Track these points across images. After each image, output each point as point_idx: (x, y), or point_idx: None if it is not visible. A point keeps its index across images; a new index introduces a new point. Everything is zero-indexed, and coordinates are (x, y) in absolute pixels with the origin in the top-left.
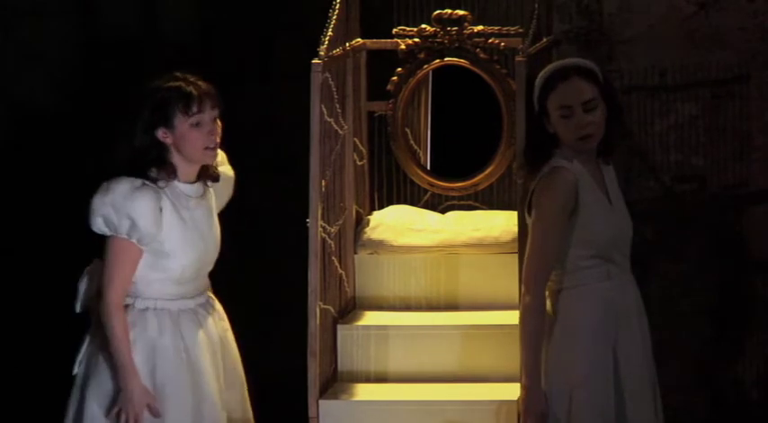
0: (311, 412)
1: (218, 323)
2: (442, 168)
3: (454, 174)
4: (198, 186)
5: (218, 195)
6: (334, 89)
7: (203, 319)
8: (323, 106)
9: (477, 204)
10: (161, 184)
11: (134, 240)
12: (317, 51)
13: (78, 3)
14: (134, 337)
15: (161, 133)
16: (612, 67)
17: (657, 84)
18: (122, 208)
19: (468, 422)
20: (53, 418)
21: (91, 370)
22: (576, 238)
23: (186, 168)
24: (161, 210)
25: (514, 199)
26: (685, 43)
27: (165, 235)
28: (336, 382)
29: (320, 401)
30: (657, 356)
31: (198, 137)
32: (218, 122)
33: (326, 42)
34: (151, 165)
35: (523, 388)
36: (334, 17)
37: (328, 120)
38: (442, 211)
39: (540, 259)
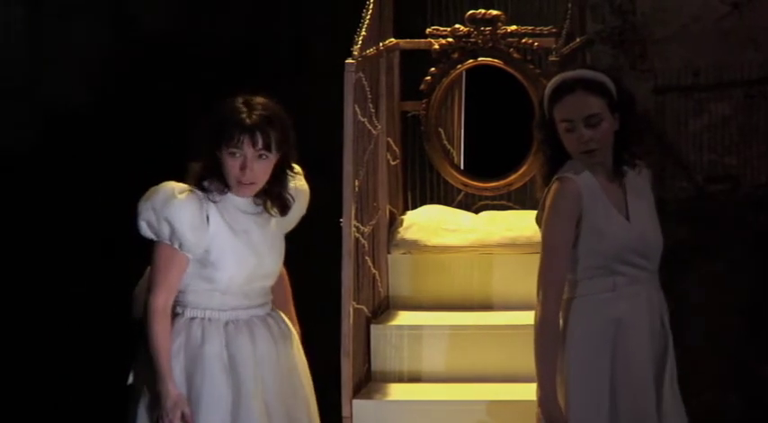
0: (345, 412)
1: (278, 339)
2: (476, 168)
3: (488, 174)
4: (255, 202)
5: (291, 211)
6: (367, 89)
7: (257, 331)
8: (356, 106)
9: (510, 204)
10: (213, 195)
11: (176, 246)
12: (351, 51)
13: (113, 3)
14: (178, 345)
15: (216, 149)
16: (645, 67)
17: (691, 84)
18: (162, 212)
19: (502, 422)
20: None
21: (143, 379)
22: (582, 248)
23: None
24: (207, 218)
25: None
26: (719, 43)
27: (211, 244)
28: (370, 382)
29: (354, 401)
30: (693, 356)
31: (232, 167)
32: (265, 162)
33: (360, 42)
34: (208, 176)
35: (538, 401)
36: (368, 17)
37: (362, 120)
38: (476, 211)
39: (547, 272)
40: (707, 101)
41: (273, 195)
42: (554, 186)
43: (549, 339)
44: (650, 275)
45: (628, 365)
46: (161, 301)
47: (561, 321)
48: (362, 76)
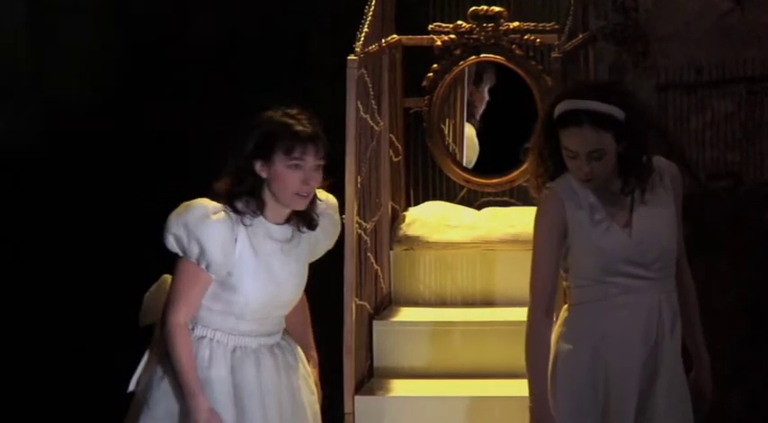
0: (347, 408)
1: (282, 370)
2: (478, 165)
3: (490, 170)
4: (286, 229)
5: (317, 241)
6: (369, 85)
7: (264, 360)
8: (359, 103)
9: (512, 201)
10: (246, 219)
11: (203, 266)
12: (353, 48)
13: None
14: (162, 369)
15: (259, 166)
16: (648, 64)
17: (693, 81)
18: (194, 232)
19: (505, 418)
20: None
21: (152, 389)
22: (572, 258)
23: (276, 208)
24: (235, 240)
25: None
26: (721, 40)
27: (233, 267)
28: (372, 378)
29: (356, 397)
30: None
31: (292, 180)
32: (320, 172)
33: (362, 39)
34: (242, 195)
35: (529, 411)
36: (370, 14)
37: (364, 116)
38: (478, 208)
39: (534, 282)
40: (709, 98)
41: (302, 211)
42: (542, 196)
43: (538, 349)
44: (652, 283)
45: (613, 373)
46: (182, 318)
47: (556, 328)
48: (365, 72)
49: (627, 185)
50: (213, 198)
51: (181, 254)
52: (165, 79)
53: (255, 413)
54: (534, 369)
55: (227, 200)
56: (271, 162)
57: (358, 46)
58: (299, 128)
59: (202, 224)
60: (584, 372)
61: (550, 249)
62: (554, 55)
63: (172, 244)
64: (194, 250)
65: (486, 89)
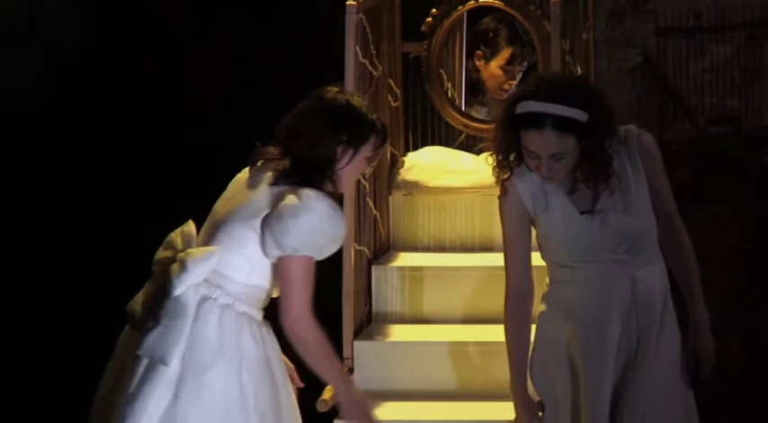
0: (346, 353)
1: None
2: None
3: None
4: None
5: None
6: (368, 31)
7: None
8: (357, 48)
9: None
10: None
11: (318, 257)
12: None
13: None
14: (229, 339)
15: (341, 151)
16: (648, 9)
17: (693, 26)
18: (337, 234)
19: (502, 363)
20: None
21: (194, 370)
22: (541, 242)
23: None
24: None
25: None
26: None
27: None
28: (371, 323)
29: (355, 342)
30: None
31: (361, 170)
32: None
33: None
34: (326, 180)
35: (510, 387)
36: None
37: (363, 61)
38: (477, 153)
39: (509, 270)
40: (708, 43)
41: None
42: (503, 190)
43: (516, 331)
44: (620, 263)
45: (586, 345)
46: (311, 313)
47: (538, 304)
48: (363, 17)
49: (589, 180)
50: (294, 178)
51: (307, 254)
52: (162, 31)
53: (285, 385)
54: (514, 350)
55: (315, 185)
56: (356, 152)
57: None
58: (380, 124)
59: (339, 224)
60: (557, 343)
61: (518, 239)
62: (553, 0)
63: (298, 247)
64: (326, 248)
65: (498, 66)
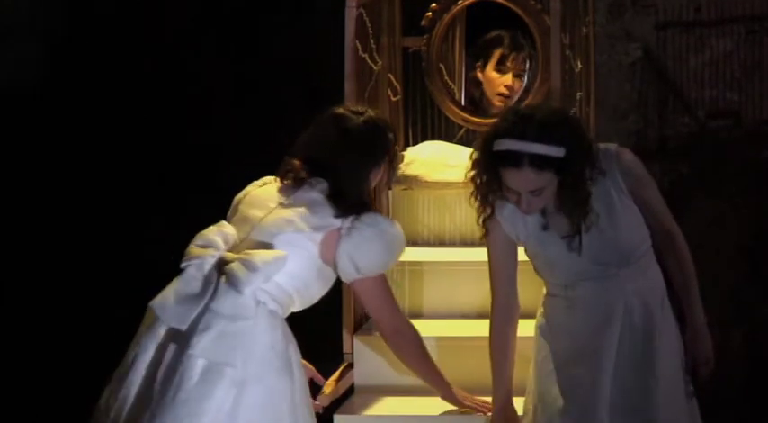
0: (346, 348)
1: None
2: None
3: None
4: None
5: None
6: (368, 25)
7: None
8: (357, 42)
9: None
10: None
11: None
12: None
13: None
14: (278, 344)
15: (373, 174)
16: (648, 3)
17: (693, 19)
18: (400, 247)
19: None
20: None
21: (255, 373)
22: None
23: None
24: None
25: None
26: None
27: None
28: (370, 318)
29: (354, 337)
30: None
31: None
32: None
33: None
34: (368, 196)
35: (492, 408)
36: None
37: (362, 55)
38: None
39: (494, 296)
40: (708, 36)
41: None
42: (487, 227)
43: (496, 348)
44: (612, 278)
45: (583, 358)
46: (408, 321)
47: (537, 316)
48: (363, 11)
49: (567, 211)
50: (345, 205)
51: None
52: (164, 18)
53: (304, 381)
54: (497, 367)
55: (370, 204)
56: (380, 170)
57: None
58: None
59: (402, 239)
60: (556, 353)
61: (504, 266)
62: None
63: (380, 269)
64: (395, 261)
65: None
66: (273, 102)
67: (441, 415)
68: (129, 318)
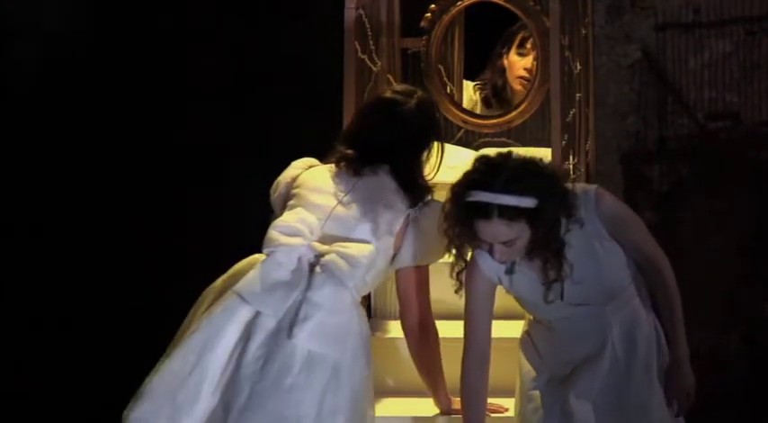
0: None
1: None
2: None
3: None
4: None
5: None
6: (367, 26)
7: None
8: (356, 43)
9: (510, 141)
10: None
11: None
12: None
13: None
14: (365, 332)
15: (426, 156)
16: (646, 4)
17: (691, 20)
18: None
19: (501, 358)
20: None
21: (348, 359)
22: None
23: None
24: None
25: (547, 136)
26: None
27: None
28: (370, 319)
29: None
30: (693, 294)
31: None
32: None
33: None
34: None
35: None
36: None
37: (362, 56)
38: (476, 148)
39: (469, 337)
40: (708, 38)
41: None
42: (467, 273)
43: (470, 398)
44: (597, 312)
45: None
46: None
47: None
48: (362, 12)
49: (544, 266)
50: (414, 192)
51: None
52: (160, 21)
53: None
54: (468, 409)
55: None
56: (431, 152)
57: None
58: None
59: None
60: (538, 378)
61: (482, 312)
62: None
63: (429, 261)
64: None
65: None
66: (273, 102)
67: (440, 416)
68: (129, 318)
